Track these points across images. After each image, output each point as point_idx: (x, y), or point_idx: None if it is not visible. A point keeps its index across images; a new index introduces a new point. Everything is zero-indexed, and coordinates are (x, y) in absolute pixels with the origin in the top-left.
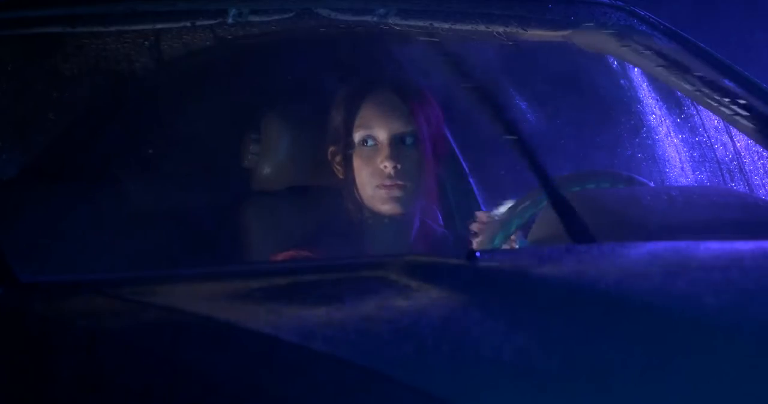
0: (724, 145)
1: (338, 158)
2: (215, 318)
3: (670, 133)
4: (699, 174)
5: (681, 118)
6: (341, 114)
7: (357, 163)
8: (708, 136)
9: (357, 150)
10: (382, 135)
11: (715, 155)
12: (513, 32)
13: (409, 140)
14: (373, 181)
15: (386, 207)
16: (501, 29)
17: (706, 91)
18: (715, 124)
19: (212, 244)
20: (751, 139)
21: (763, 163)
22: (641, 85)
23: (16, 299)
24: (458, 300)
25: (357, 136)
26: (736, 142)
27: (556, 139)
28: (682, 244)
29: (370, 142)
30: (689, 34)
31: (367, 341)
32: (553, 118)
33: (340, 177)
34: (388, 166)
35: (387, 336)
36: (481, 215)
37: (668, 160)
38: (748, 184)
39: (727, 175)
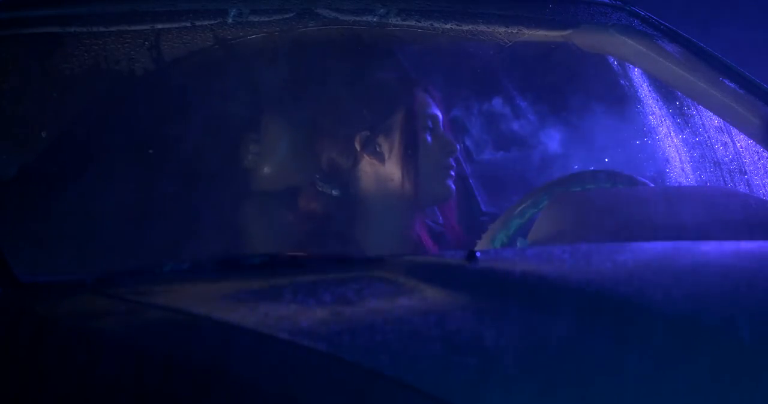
0: (724, 145)
1: (380, 141)
2: (215, 318)
3: (670, 133)
4: (699, 174)
5: (681, 118)
6: (397, 101)
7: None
8: (708, 136)
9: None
10: (435, 119)
11: (715, 155)
12: (513, 32)
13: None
14: (438, 163)
15: (445, 189)
16: (501, 29)
17: (707, 91)
18: (715, 124)
19: (212, 244)
20: (751, 139)
21: (763, 163)
22: (641, 85)
23: (16, 299)
24: (458, 300)
25: (421, 120)
26: (736, 142)
27: (556, 139)
28: (682, 244)
29: (430, 126)
30: (689, 34)
31: (367, 341)
32: (553, 118)
33: (372, 164)
34: (454, 149)
35: (387, 335)
36: None
37: (668, 160)
38: (748, 184)
39: (727, 175)
